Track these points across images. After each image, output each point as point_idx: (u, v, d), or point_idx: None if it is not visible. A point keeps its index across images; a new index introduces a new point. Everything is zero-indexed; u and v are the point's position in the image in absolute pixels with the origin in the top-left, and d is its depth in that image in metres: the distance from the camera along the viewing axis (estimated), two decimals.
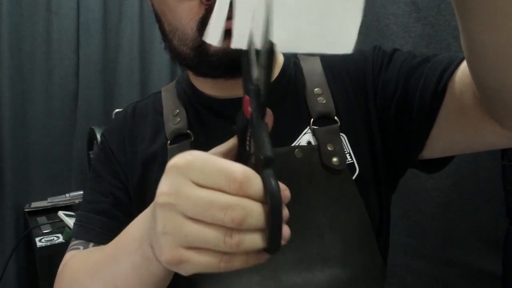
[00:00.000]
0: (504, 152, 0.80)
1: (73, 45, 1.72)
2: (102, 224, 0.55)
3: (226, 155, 0.37)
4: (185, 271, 0.29)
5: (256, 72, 0.28)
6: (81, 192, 1.69)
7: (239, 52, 0.49)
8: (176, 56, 0.54)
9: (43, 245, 1.32)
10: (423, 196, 0.98)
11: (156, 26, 0.57)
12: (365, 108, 0.54)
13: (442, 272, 0.96)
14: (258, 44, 0.28)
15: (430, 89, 0.46)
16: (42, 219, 1.53)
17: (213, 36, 0.28)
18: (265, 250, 0.28)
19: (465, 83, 0.43)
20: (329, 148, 0.50)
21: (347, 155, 0.52)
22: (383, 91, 0.52)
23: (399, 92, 0.50)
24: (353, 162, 0.52)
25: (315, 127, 0.52)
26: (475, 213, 0.90)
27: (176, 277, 0.42)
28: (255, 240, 0.28)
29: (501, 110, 0.40)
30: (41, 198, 1.66)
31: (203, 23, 0.48)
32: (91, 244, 0.55)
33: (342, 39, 0.26)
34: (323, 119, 0.53)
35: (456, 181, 0.92)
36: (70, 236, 0.58)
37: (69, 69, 1.72)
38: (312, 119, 0.53)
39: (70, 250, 0.55)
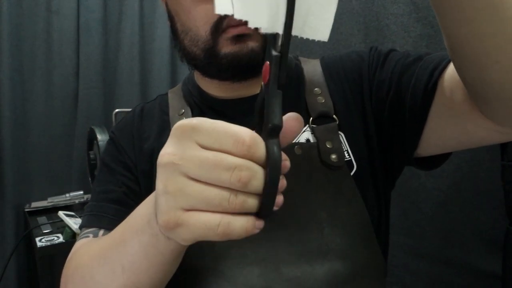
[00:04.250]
0: (504, 152, 0.80)
1: (73, 45, 1.72)
2: (115, 212, 0.55)
3: None
4: (181, 237, 0.29)
5: (280, 41, 0.28)
6: (81, 192, 1.69)
7: (248, 56, 0.50)
8: (185, 55, 0.56)
9: (43, 245, 1.31)
10: (423, 196, 0.98)
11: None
12: (362, 107, 0.55)
13: (441, 271, 0.96)
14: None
15: (421, 87, 0.47)
16: (42, 219, 1.53)
17: (223, 5, 0.27)
18: (257, 214, 0.28)
19: (455, 80, 0.44)
20: (327, 146, 0.52)
21: (345, 152, 0.53)
22: (378, 91, 0.54)
23: (392, 91, 0.51)
24: (351, 160, 0.53)
25: (314, 125, 0.54)
26: (475, 212, 0.90)
27: (179, 271, 0.42)
28: (254, 204, 0.28)
29: (486, 104, 0.41)
30: (41, 198, 1.66)
31: (216, 27, 0.50)
32: (102, 231, 0.54)
33: (321, 26, 0.27)
34: (322, 118, 0.54)
35: (456, 181, 0.92)
36: (79, 227, 0.57)
37: (69, 69, 1.72)
38: (311, 118, 0.54)
39: (80, 239, 0.54)
